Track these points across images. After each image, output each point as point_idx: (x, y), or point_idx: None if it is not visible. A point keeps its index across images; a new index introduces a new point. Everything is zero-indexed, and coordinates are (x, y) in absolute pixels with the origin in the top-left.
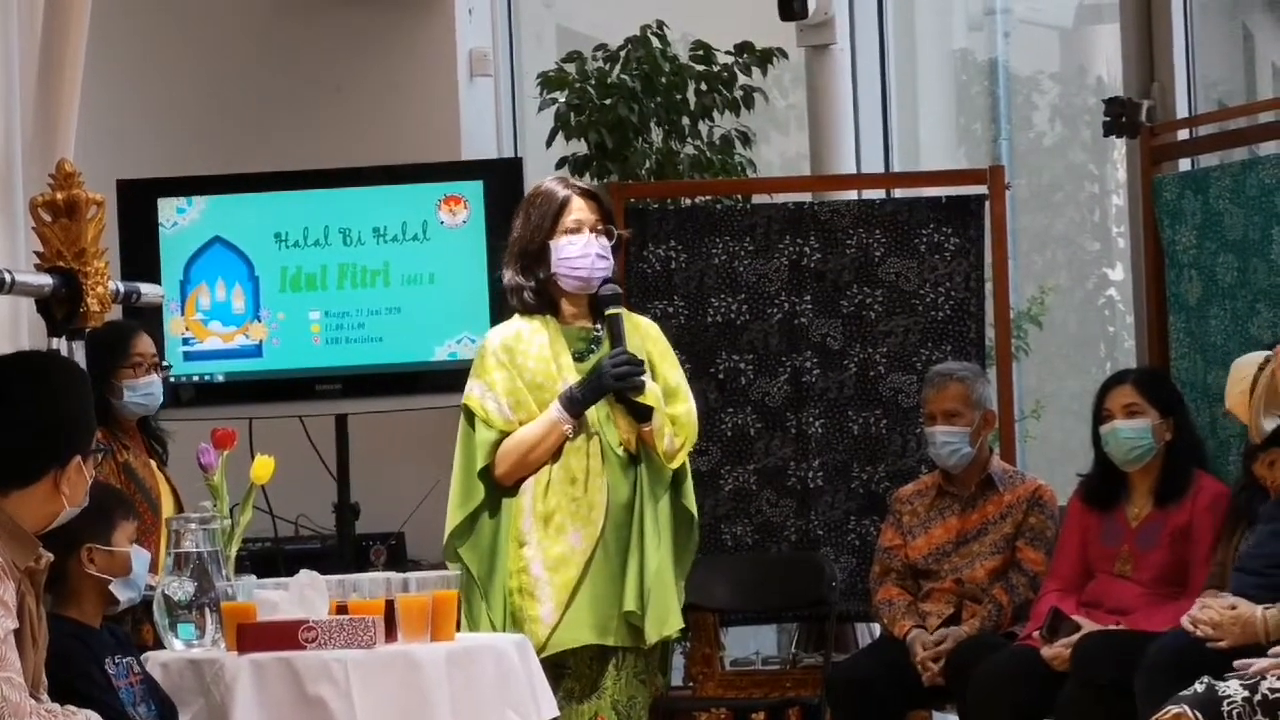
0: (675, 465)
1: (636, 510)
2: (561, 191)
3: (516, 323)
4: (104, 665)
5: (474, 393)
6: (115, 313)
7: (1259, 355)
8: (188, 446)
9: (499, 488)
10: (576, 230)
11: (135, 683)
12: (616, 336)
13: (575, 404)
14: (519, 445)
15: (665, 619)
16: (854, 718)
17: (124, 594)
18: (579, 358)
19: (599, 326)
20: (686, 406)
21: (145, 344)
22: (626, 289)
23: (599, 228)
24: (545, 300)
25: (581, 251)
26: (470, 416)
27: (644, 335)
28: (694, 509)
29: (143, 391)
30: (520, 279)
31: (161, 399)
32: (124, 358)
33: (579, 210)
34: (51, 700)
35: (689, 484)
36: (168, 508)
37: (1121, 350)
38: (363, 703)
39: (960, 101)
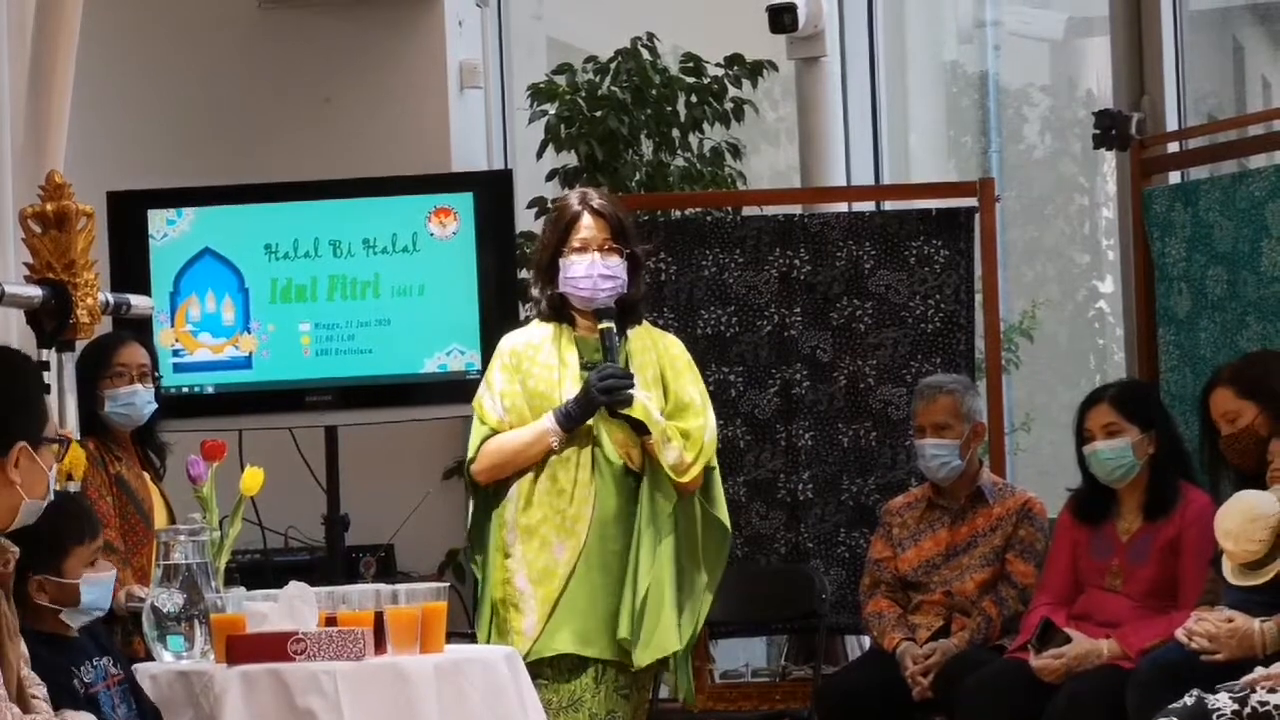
0: (686, 479)
1: (635, 529)
2: (574, 208)
3: (532, 329)
4: (75, 672)
5: (479, 390)
6: (105, 324)
7: (1271, 496)
8: (178, 458)
9: (481, 488)
10: (582, 249)
11: (114, 684)
12: (607, 350)
13: (570, 419)
14: (503, 446)
15: (657, 641)
16: None
17: (75, 620)
18: (592, 368)
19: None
20: (700, 422)
21: (130, 354)
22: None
23: (608, 246)
24: (561, 312)
25: (585, 272)
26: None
27: (661, 351)
28: (726, 521)
29: (123, 401)
30: (536, 291)
31: (148, 409)
32: (105, 368)
33: (586, 229)
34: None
35: (719, 496)
36: (160, 520)
37: (1111, 363)
38: (352, 714)
39: (950, 114)
